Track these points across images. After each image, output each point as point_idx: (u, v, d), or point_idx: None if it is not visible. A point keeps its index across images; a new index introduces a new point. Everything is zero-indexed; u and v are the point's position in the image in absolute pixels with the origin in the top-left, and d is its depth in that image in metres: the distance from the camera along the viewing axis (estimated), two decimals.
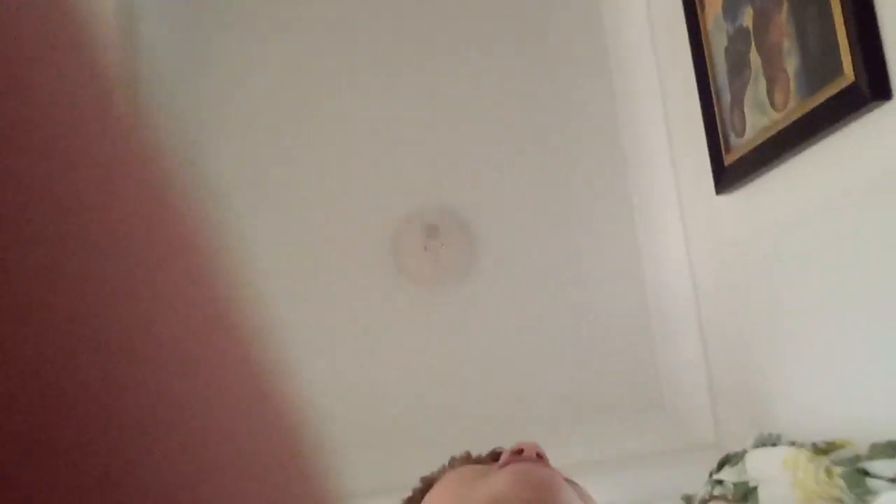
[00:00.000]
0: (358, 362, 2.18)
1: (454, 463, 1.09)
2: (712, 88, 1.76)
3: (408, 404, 2.13)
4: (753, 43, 1.59)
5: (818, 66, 1.38)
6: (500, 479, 0.93)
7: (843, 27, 1.30)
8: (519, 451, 0.98)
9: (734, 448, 1.86)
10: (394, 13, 2.33)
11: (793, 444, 1.10)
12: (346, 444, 2.09)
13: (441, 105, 2.29)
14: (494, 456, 1.07)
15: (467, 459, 1.09)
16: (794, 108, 1.46)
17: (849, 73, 1.29)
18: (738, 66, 1.65)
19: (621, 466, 1.90)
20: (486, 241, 2.24)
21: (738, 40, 1.65)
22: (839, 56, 1.31)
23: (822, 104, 1.37)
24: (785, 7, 1.47)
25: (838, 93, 1.32)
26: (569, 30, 2.33)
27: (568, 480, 1.02)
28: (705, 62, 1.77)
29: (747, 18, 1.61)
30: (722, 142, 1.73)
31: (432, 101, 2.29)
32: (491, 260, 2.24)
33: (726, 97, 1.71)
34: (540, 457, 0.98)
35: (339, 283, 2.21)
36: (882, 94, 1.24)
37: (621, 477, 1.87)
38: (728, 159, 1.72)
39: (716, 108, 1.75)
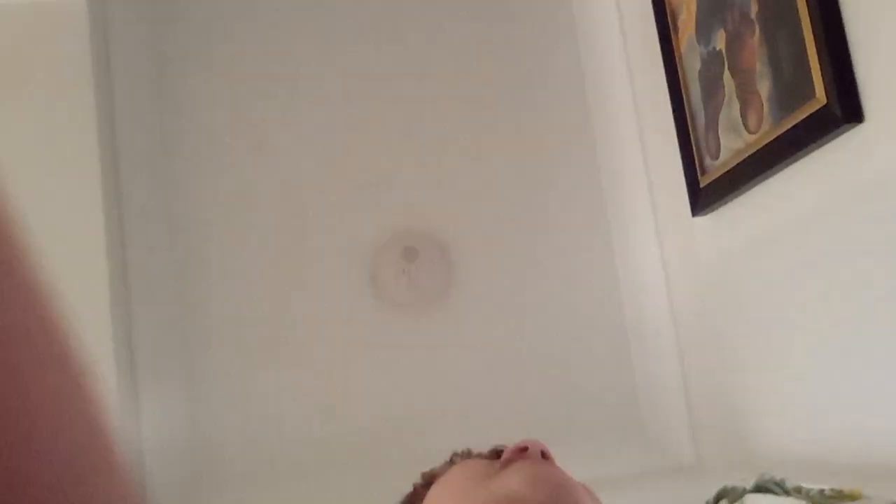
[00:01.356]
0: (334, 384, 2.17)
1: (456, 458, 1.07)
2: (687, 111, 1.77)
3: (384, 426, 2.12)
4: (727, 65, 1.60)
5: (790, 88, 1.39)
6: (513, 478, 0.91)
7: (815, 50, 1.31)
8: (523, 449, 0.96)
9: (714, 469, 1.85)
10: (372, 36, 2.33)
11: (798, 490, 1.08)
12: (323, 465, 2.07)
13: (419, 127, 2.29)
14: (496, 454, 1.05)
15: (469, 455, 1.07)
16: (767, 130, 1.48)
17: (821, 96, 1.30)
18: (712, 89, 1.66)
19: (600, 489, 1.89)
20: (464, 263, 2.24)
21: (712, 63, 1.66)
22: (811, 79, 1.32)
23: (794, 126, 1.38)
24: (757, 30, 1.49)
25: (811, 115, 1.33)
26: (545, 52, 2.34)
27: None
28: (679, 84, 1.79)
29: (720, 41, 1.62)
30: (697, 164, 1.74)
31: (411, 122, 2.29)
32: (469, 282, 2.23)
33: (701, 119, 1.72)
34: (545, 455, 0.96)
35: (317, 305, 2.20)
36: (853, 116, 1.25)
37: (602, 499, 1.86)
38: (703, 181, 1.73)
39: (690, 130, 1.76)
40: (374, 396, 2.16)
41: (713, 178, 1.68)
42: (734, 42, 1.57)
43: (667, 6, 1.81)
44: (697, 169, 1.74)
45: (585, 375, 2.19)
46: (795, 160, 1.42)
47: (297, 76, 2.30)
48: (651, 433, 2.12)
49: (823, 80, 1.29)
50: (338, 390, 2.16)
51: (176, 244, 2.20)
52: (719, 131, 1.65)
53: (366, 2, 2.34)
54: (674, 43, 1.80)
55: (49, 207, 1.84)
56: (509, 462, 0.95)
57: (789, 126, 1.40)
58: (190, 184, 2.23)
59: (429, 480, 1.04)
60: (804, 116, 1.35)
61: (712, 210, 1.73)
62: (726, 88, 1.61)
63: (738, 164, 1.58)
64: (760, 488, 1.13)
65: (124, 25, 2.18)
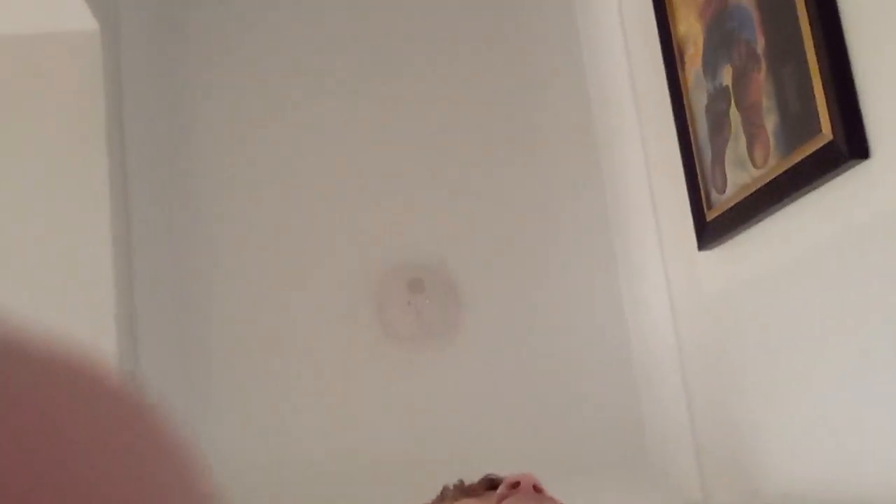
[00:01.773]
0: (338, 416, 2.16)
1: (447, 492, 1.07)
2: (693, 145, 1.77)
3: (389, 460, 2.11)
4: (733, 101, 1.61)
5: (797, 124, 1.40)
6: None
7: (821, 86, 1.32)
8: (516, 484, 0.96)
9: None
10: (379, 66, 2.35)
11: None
12: (325, 497, 2.06)
13: (427, 158, 2.30)
14: (488, 484, 1.04)
15: (460, 488, 1.06)
16: (773, 165, 1.48)
17: (827, 132, 1.31)
18: (719, 124, 1.67)
19: None
20: (471, 296, 2.24)
21: (718, 98, 1.67)
22: (817, 114, 1.33)
23: (801, 162, 1.39)
24: (763, 66, 1.49)
25: (817, 151, 1.34)
26: (552, 85, 2.35)
27: None
28: (686, 119, 1.79)
29: (727, 76, 1.63)
30: (703, 198, 1.75)
31: (418, 153, 2.30)
32: (475, 315, 2.23)
33: (707, 154, 1.72)
34: (537, 489, 0.96)
35: (322, 336, 2.20)
36: (860, 152, 1.26)
37: None
38: (710, 215, 1.73)
39: (697, 165, 1.76)
40: (378, 429, 2.15)
41: (719, 212, 1.68)
42: (741, 77, 1.57)
43: (674, 41, 1.82)
44: (704, 203, 1.74)
45: (591, 409, 2.17)
46: (801, 195, 1.42)
47: (306, 103, 2.31)
48: (657, 468, 2.10)
49: (830, 115, 1.30)
50: (341, 423, 2.16)
51: (181, 272, 2.20)
52: (726, 166, 1.65)
53: (374, 33, 2.37)
54: (680, 78, 1.81)
55: (55, 238, 1.85)
56: (503, 497, 0.95)
57: (795, 161, 1.40)
58: (196, 213, 2.24)
59: None
60: (810, 152, 1.35)
61: (718, 244, 1.73)
62: (733, 123, 1.61)
63: (744, 199, 1.58)
64: None
65: (136, 51, 2.20)
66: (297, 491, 2.08)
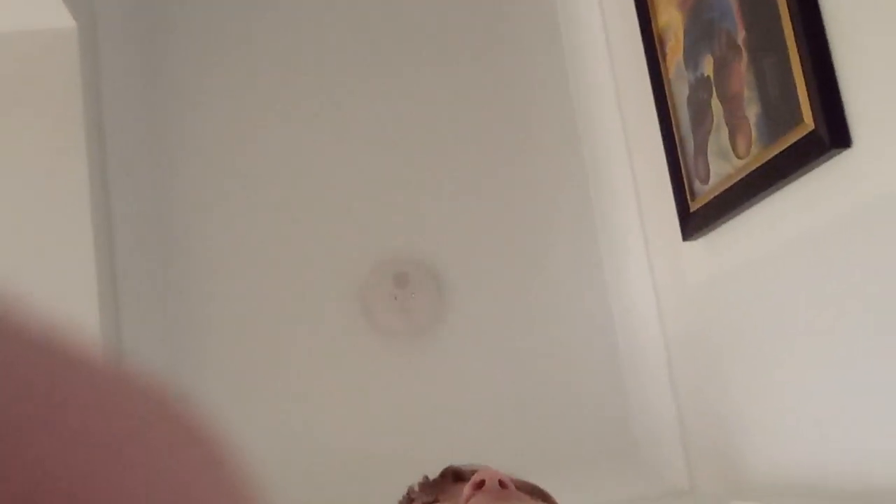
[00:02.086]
0: (324, 411, 2.15)
1: (412, 493, 1.06)
2: (676, 136, 1.78)
3: (375, 455, 2.11)
4: (715, 91, 1.61)
5: (778, 114, 1.40)
6: None
7: (802, 76, 1.32)
8: (480, 484, 0.95)
9: (708, 495, 1.85)
10: (365, 68, 2.34)
11: None
12: (312, 494, 2.06)
13: (412, 154, 2.30)
14: (453, 476, 1.04)
15: (426, 486, 1.06)
16: (756, 155, 1.48)
17: (808, 121, 1.31)
18: (701, 115, 1.67)
19: None
20: (456, 289, 2.24)
21: (700, 89, 1.67)
22: (798, 104, 1.33)
23: (783, 151, 1.39)
24: (744, 56, 1.50)
25: (799, 140, 1.34)
26: (534, 78, 2.35)
27: (530, 492, 1.00)
28: (668, 110, 1.79)
29: (708, 67, 1.63)
30: (687, 189, 1.75)
31: (403, 149, 2.30)
32: (460, 309, 2.23)
33: (690, 145, 1.73)
34: (503, 485, 0.96)
35: (307, 331, 2.19)
36: (841, 141, 1.26)
37: None
38: (693, 206, 1.73)
39: (680, 156, 1.77)
40: (364, 422, 2.15)
41: (703, 203, 1.68)
42: (722, 68, 1.58)
43: (654, 33, 1.82)
44: (687, 194, 1.75)
45: (578, 401, 2.18)
46: (784, 185, 1.43)
47: (290, 103, 2.30)
48: (644, 459, 2.11)
49: (811, 105, 1.30)
50: (327, 417, 2.15)
51: (167, 272, 2.19)
52: (708, 156, 1.65)
53: (361, 35, 2.36)
54: (662, 69, 1.81)
55: (34, 242, 1.84)
56: (468, 499, 0.94)
57: (777, 151, 1.40)
58: (181, 211, 2.23)
59: None
60: (792, 142, 1.36)
61: (702, 235, 1.73)
62: (715, 114, 1.62)
63: (727, 189, 1.58)
64: None
65: (114, 49, 2.19)
66: (283, 486, 2.07)
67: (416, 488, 1.07)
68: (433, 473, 1.12)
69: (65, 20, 1.86)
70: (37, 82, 1.91)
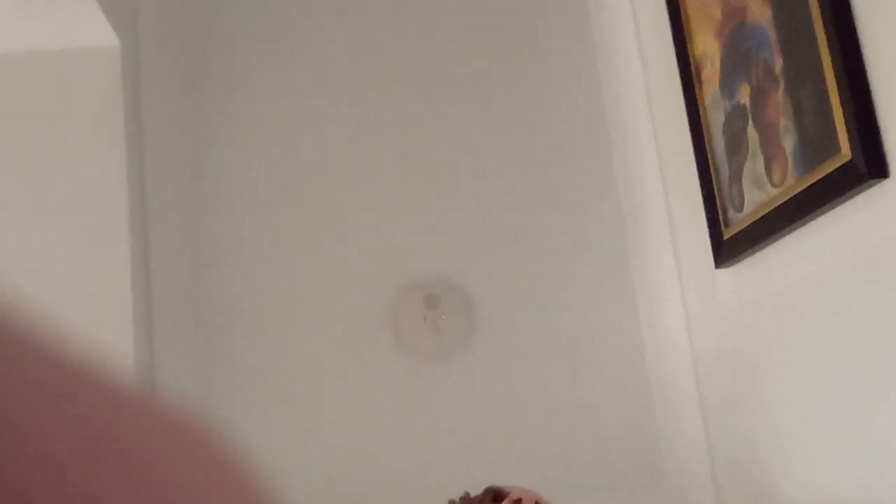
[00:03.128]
0: (354, 431, 2.16)
1: None
2: (711, 163, 1.78)
3: (404, 476, 2.11)
4: (751, 119, 1.61)
5: (815, 143, 1.40)
6: None
7: (840, 105, 1.32)
8: (517, 502, 0.96)
9: None
10: (398, 85, 2.36)
11: None
12: None
13: (443, 174, 2.31)
14: (493, 496, 1.05)
15: (466, 501, 1.07)
16: (791, 184, 1.48)
17: (846, 151, 1.31)
18: (736, 143, 1.67)
19: None
20: (487, 311, 2.24)
21: (736, 117, 1.67)
22: (836, 134, 1.33)
23: (819, 181, 1.39)
24: (781, 85, 1.50)
25: (835, 170, 1.34)
26: (569, 103, 2.36)
27: None
28: (703, 137, 1.80)
29: (744, 96, 1.63)
30: (721, 216, 1.75)
31: (435, 169, 2.31)
32: (490, 331, 2.23)
33: (725, 172, 1.73)
34: None
35: (338, 351, 2.20)
36: (879, 172, 1.26)
37: None
38: (727, 233, 1.73)
39: (714, 183, 1.77)
40: (394, 442, 2.15)
41: (737, 230, 1.68)
42: (758, 96, 1.58)
43: (691, 60, 1.83)
44: (721, 221, 1.75)
45: (607, 426, 2.17)
46: (819, 215, 1.42)
47: (324, 122, 2.33)
48: (673, 486, 2.10)
49: (848, 135, 1.30)
50: (358, 437, 2.16)
51: (198, 287, 2.21)
52: (743, 184, 1.65)
53: (392, 52, 2.38)
54: (698, 96, 1.81)
55: (74, 254, 1.87)
56: None
57: (813, 181, 1.40)
58: (214, 229, 2.25)
59: None
60: (828, 171, 1.36)
61: (735, 262, 1.73)
62: (750, 142, 1.62)
63: (761, 218, 1.58)
64: None
65: (156, 68, 2.22)
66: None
67: (458, 501, 1.08)
68: (454, 492, 1.12)
69: (108, 38, 1.90)
70: (79, 99, 1.94)
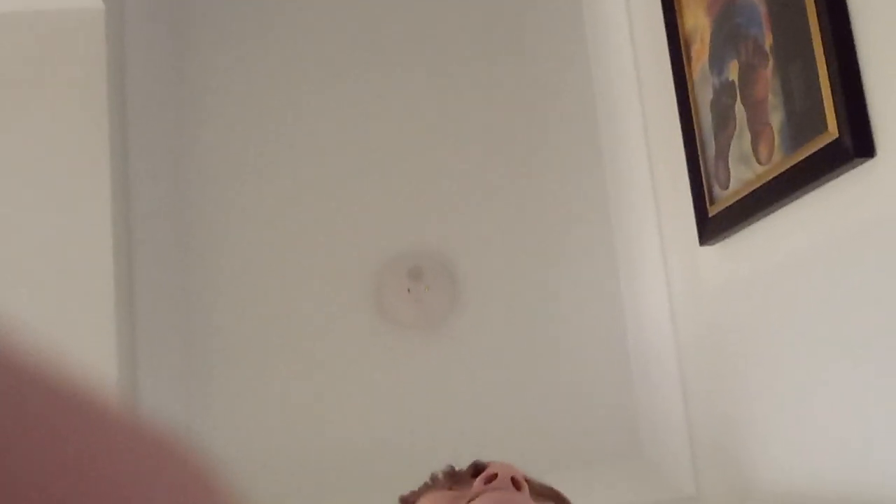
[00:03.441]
0: (338, 403, 2.16)
1: (436, 479, 1.07)
2: (697, 139, 1.77)
3: (387, 447, 2.11)
4: (739, 96, 1.60)
5: (803, 121, 1.39)
6: None
7: (828, 84, 1.31)
8: (492, 477, 0.95)
9: (714, 501, 1.84)
10: (383, 64, 2.34)
11: None
12: (324, 484, 2.07)
13: (427, 147, 2.30)
14: (474, 471, 1.05)
15: (448, 475, 1.07)
16: (778, 162, 1.47)
17: (833, 130, 1.30)
18: (724, 119, 1.67)
19: None
20: (470, 284, 2.24)
21: (724, 93, 1.66)
22: (823, 112, 1.32)
23: (806, 159, 1.38)
24: (770, 62, 1.49)
25: (822, 148, 1.33)
26: (556, 76, 2.35)
27: (545, 494, 0.99)
28: (691, 113, 1.79)
29: (733, 72, 1.62)
30: (706, 193, 1.74)
31: (419, 143, 2.30)
32: (473, 304, 2.23)
33: (711, 149, 1.72)
34: (515, 481, 0.95)
35: (321, 323, 2.20)
36: (866, 150, 1.25)
37: None
38: (712, 210, 1.72)
39: (700, 159, 1.76)
40: (376, 415, 2.16)
41: (722, 207, 1.68)
42: (747, 73, 1.57)
43: (680, 35, 1.82)
44: (706, 198, 1.74)
45: (587, 402, 2.18)
46: (806, 193, 1.42)
47: (309, 97, 2.31)
48: (651, 463, 2.11)
49: (836, 113, 1.29)
50: (341, 410, 2.16)
51: (182, 259, 2.20)
52: (729, 161, 1.65)
53: (377, 28, 2.36)
54: (686, 72, 1.80)
55: (54, 219, 1.85)
56: (476, 495, 0.94)
57: (800, 158, 1.40)
58: (196, 198, 2.23)
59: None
60: (815, 149, 1.35)
61: (720, 240, 1.73)
62: (738, 119, 1.61)
63: (747, 195, 1.57)
64: None
65: (140, 31, 2.19)
66: (298, 479, 2.08)
67: (440, 475, 1.08)
68: (441, 464, 1.12)
69: (93, 1, 1.87)
70: (63, 61, 1.92)
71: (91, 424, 0.20)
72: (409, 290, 2.20)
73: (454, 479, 1.06)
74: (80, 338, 1.75)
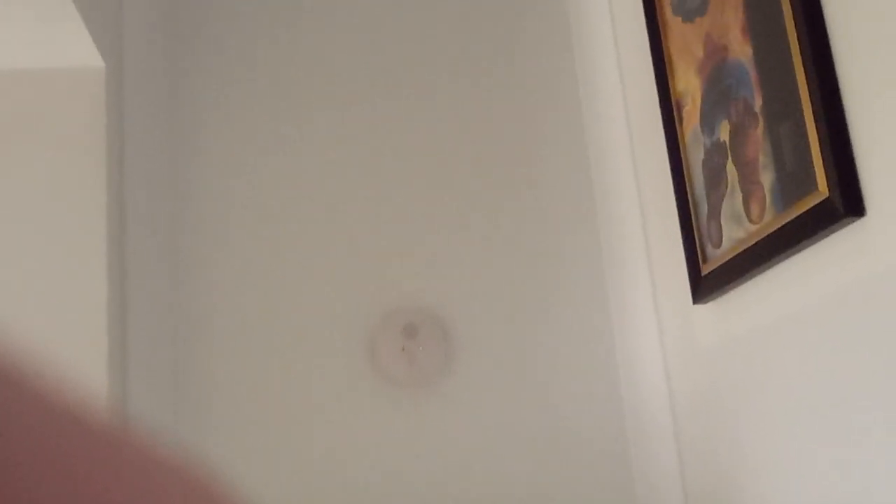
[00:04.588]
0: (331, 460, 2.14)
1: None
2: (690, 199, 1.79)
3: (381, 503, 2.09)
4: (730, 156, 1.63)
5: (793, 180, 1.41)
6: None
7: (818, 144, 1.33)
8: None
9: None
10: (372, 109, 2.37)
11: None
12: None
13: (421, 205, 2.31)
14: None
15: None
16: (769, 221, 1.49)
17: (823, 189, 1.32)
18: (716, 179, 1.69)
19: None
20: (464, 342, 2.24)
21: (715, 153, 1.68)
22: (813, 172, 1.34)
23: (796, 218, 1.40)
24: (760, 123, 1.51)
25: (813, 207, 1.35)
26: (550, 135, 2.38)
27: None
28: (683, 173, 1.81)
29: (724, 132, 1.65)
30: (699, 251, 1.76)
31: (413, 199, 2.32)
32: (468, 361, 2.23)
33: (704, 208, 1.74)
34: None
35: (315, 381, 2.19)
36: (855, 210, 1.27)
37: None
38: (705, 269, 1.74)
39: (693, 219, 1.78)
40: (371, 472, 2.14)
41: (715, 266, 1.69)
42: (738, 134, 1.59)
43: (672, 96, 1.85)
44: (699, 256, 1.76)
45: (582, 461, 2.16)
46: (797, 251, 1.43)
47: (304, 150, 2.33)
48: None
49: (826, 173, 1.31)
50: (335, 466, 2.14)
51: (175, 312, 2.20)
52: (722, 220, 1.67)
53: (372, 79, 2.39)
54: (678, 133, 1.83)
55: (51, 268, 1.85)
56: None
57: (791, 217, 1.41)
58: (194, 253, 2.24)
59: None
60: (806, 208, 1.37)
61: (713, 298, 1.74)
62: (729, 179, 1.63)
63: (739, 254, 1.59)
64: None
65: (140, 90, 2.22)
66: None
67: None
68: None
69: (94, 60, 1.89)
70: (62, 121, 1.94)
71: (84, 439, 0.20)
72: (403, 349, 2.19)
73: None
74: (71, 350, 1.74)
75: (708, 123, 1.71)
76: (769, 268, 1.52)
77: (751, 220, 1.56)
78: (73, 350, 1.80)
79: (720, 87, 1.66)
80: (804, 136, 1.37)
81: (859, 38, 1.29)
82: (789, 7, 1.40)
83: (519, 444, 2.17)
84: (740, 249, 1.59)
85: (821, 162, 1.33)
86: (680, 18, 1.82)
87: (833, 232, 1.33)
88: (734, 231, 1.62)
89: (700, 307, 1.80)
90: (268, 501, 2.08)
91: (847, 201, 1.27)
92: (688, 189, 1.80)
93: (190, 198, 2.28)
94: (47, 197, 1.89)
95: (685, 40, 1.80)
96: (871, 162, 1.26)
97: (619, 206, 2.19)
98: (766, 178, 1.50)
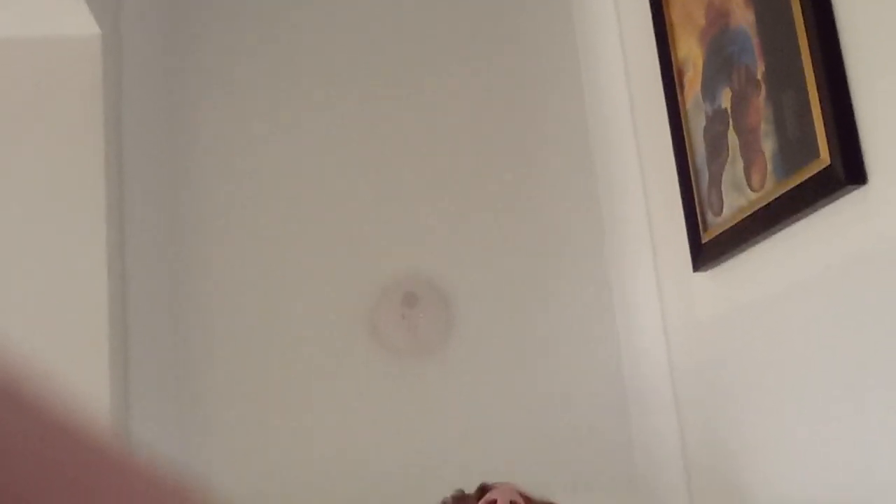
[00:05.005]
0: (333, 429, 2.15)
1: (447, 502, 1.08)
2: (691, 167, 1.78)
3: (382, 471, 2.10)
4: (731, 124, 1.62)
5: (795, 148, 1.41)
6: None
7: (820, 111, 1.32)
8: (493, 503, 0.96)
9: None
10: (377, 86, 2.35)
11: None
12: None
13: (424, 174, 2.31)
14: (481, 493, 1.06)
15: (457, 498, 1.08)
16: (770, 189, 1.48)
17: (825, 157, 1.31)
18: (717, 147, 1.68)
19: None
20: (465, 311, 2.24)
21: (717, 121, 1.67)
22: (815, 139, 1.34)
23: (798, 186, 1.39)
24: (763, 90, 1.50)
25: (814, 175, 1.34)
26: (550, 104, 2.36)
27: None
28: (684, 141, 1.80)
29: (725, 100, 1.64)
30: (700, 220, 1.75)
31: (415, 169, 2.31)
32: (468, 330, 2.23)
33: (704, 176, 1.73)
34: None
35: (316, 350, 2.19)
36: (857, 178, 1.26)
37: None
38: (705, 237, 1.73)
39: (694, 187, 1.77)
40: (372, 440, 2.15)
41: (715, 234, 1.68)
42: (740, 101, 1.58)
43: (673, 64, 1.84)
44: (700, 225, 1.75)
45: (582, 428, 2.17)
46: (798, 220, 1.43)
47: (305, 116, 2.32)
48: (647, 490, 2.10)
49: (828, 141, 1.30)
50: (337, 435, 2.15)
51: (176, 290, 2.20)
52: (722, 189, 1.66)
53: (372, 54, 2.37)
54: (679, 100, 1.82)
55: (50, 247, 1.85)
56: None
57: (792, 186, 1.41)
58: (192, 222, 2.24)
59: None
60: (807, 176, 1.36)
61: (713, 266, 1.73)
62: (730, 146, 1.62)
63: (740, 222, 1.58)
64: None
65: (137, 58, 2.20)
66: None
67: (449, 499, 1.10)
68: (437, 490, 1.12)
69: (90, 27, 1.88)
70: (59, 88, 1.92)
71: (87, 459, 0.20)
72: (403, 317, 2.20)
73: (461, 502, 1.07)
74: (73, 368, 1.74)
75: (709, 91, 1.70)
76: (770, 236, 1.52)
77: (752, 188, 1.55)
78: (74, 344, 1.80)
79: (722, 55, 1.64)
80: (806, 103, 1.36)
81: (862, 4, 1.27)
82: None
83: (519, 412, 2.18)
84: (741, 217, 1.58)
85: (823, 130, 1.32)
86: None
87: (835, 200, 1.33)
88: (735, 199, 1.61)
89: (700, 276, 1.79)
90: (273, 473, 2.10)
91: (849, 169, 1.27)
92: (689, 156, 1.79)
93: (190, 169, 2.27)
94: (43, 170, 1.88)
95: (687, 7, 1.78)
96: (873, 130, 1.25)
97: (619, 173, 2.18)
98: (768, 146, 1.49)
